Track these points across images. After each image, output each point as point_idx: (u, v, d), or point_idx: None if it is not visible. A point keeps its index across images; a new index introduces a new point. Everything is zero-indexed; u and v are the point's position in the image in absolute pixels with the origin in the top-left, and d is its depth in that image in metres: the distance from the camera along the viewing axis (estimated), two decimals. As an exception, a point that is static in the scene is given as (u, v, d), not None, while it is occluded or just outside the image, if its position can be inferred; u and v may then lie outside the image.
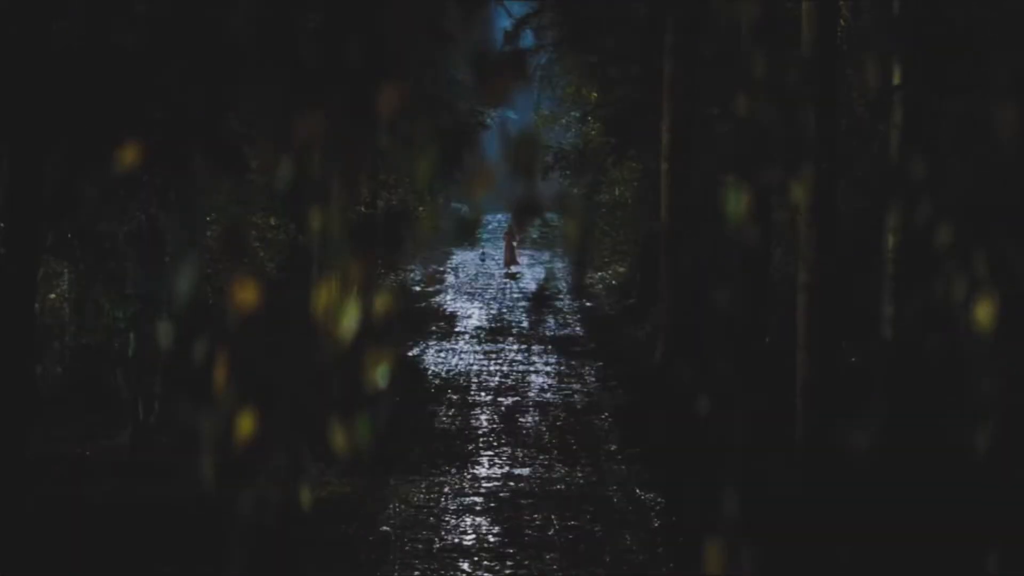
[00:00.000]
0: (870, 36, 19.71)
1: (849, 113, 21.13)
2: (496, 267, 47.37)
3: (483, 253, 52.12)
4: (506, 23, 42.30)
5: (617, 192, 36.36)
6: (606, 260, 41.22)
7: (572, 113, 42.11)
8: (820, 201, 15.27)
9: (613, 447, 19.77)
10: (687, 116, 26.21)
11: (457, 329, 33.45)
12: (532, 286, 43.49)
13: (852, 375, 18.48)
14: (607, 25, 33.88)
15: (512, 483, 17.42)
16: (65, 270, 17.78)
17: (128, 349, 17.95)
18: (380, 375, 4.68)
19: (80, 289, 18.22)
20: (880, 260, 15.54)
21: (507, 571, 13.60)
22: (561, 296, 41.13)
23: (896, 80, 14.79)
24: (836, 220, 15.69)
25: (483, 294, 41.56)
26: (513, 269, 46.73)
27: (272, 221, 20.50)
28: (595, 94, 36.95)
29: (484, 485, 17.30)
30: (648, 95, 30.63)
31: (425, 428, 21.16)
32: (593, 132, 37.80)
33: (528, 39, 40.36)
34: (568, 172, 38.34)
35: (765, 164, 16.46)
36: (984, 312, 5.25)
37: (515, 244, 48.57)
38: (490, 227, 64.03)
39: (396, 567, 13.71)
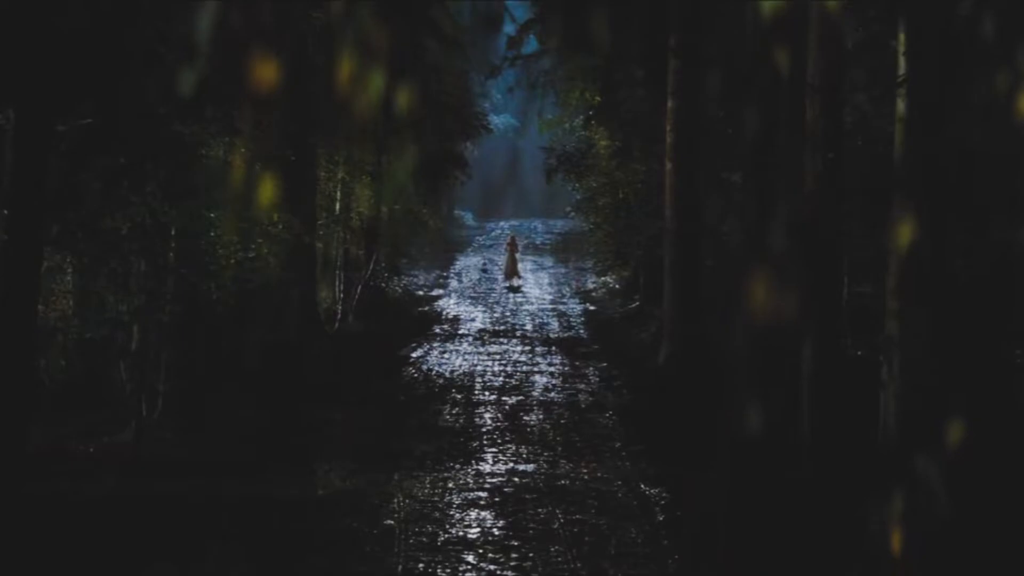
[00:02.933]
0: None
1: (854, 109, 21.08)
2: (499, 272, 46.85)
3: (485, 263, 51.01)
4: (510, 28, 42.41)
5: (620, 195, 36.25)
6: (609, 263, 41.10)
7: (576, 120, 42.07)
8: (825, 189, 15.24)
9: (617, 444, 19.71)
10: (691, 116, 26.17)
11: (460, 332, 33.39)
12: (536, 291, 43.36)
13: (858, 367, 18.45)
14: (611, 28, 33.85)
15: (516, 479, 17.36)
16: (69, 266, 17.72)
17: (131, 343, 17.90)
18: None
19: (84, 282, 18.18)
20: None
21: (512, 563, 13.55)
22: (565, 300, 41.07)
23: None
24: (841, 208, 15.64)
25: (486, 298, 41.50)
26: (515, 282, 44.53)
27: (275, 217, 20.40)
28: (599, 98, 36.86)
29: (488, 480, 17.25)
30: (652, 97, 30.61)
31: (429, 426, 21.11)
32: (596, 136, 37.73)
33: (532, 44, 40.43)
34: (572, 175, 38.25)
35: (769, 160, 16.44)
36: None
37: (517, 255, 46.47)
38: (493, 233, 64.06)
39: (401, 559, 13.68)
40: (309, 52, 24.17)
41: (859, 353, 19.75)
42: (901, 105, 15.07)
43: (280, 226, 20.29)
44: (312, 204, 28.70)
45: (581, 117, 40.38)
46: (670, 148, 26.44)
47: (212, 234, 18.98)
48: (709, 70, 26.85)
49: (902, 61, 14.89)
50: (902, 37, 14.85)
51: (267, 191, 20.35)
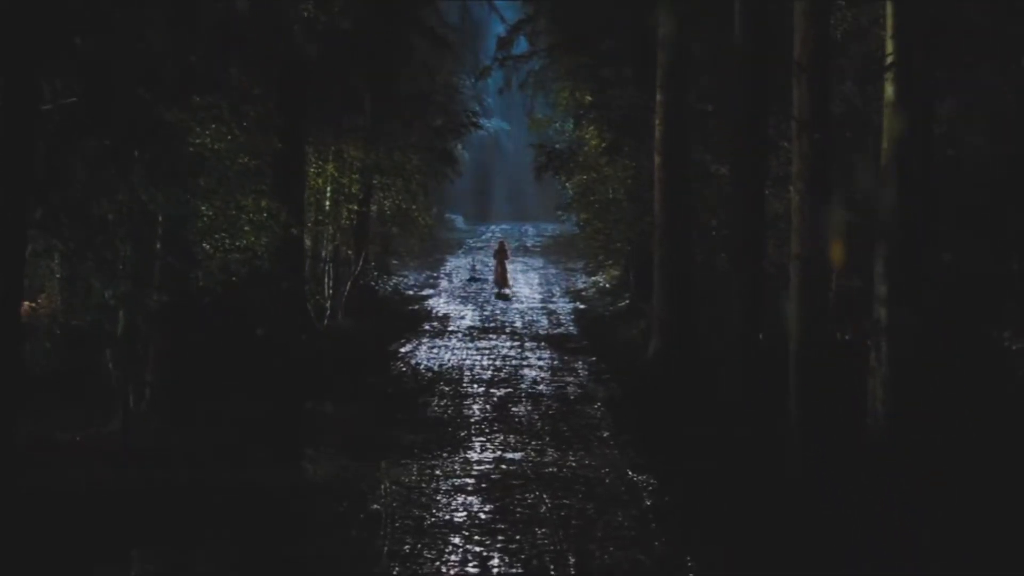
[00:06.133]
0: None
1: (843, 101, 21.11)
2: (489, 273, 46.45)
3: (474, 266, 49.91)
4: (500, 29, 42.42)
5: (611, 193, 36.26)
6: (601, 259, 41.08)
7: (567, 123, 42.15)
8: (811, 171, 15.20)
9: (605, 434, 19.66)
10: (680, 109, 26.14)
11: (450, 328, 33.36)
12: (526, 291, 43.31)
13: (843, 351, 18.43)
14: (601, 27, 33.91)
15: (504, 466, 17.32)
16: (55, 251, 17.60)
17: (117, 327, 17.78)
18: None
19: (69, 268, 18.08)
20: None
21: (498, 545, 13.50)
22: (555, 299, 41.03)
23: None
24: (828, 191, 15.60)
25: (476, 298, 41.46)
26: (505, 291, 42.77)
27: (264, 204, 20.27)
28: (589, 97, 36.91)
29: (476, 468, 17.21)
30: (642, 94, 30.62)
31: (417, 417, 21.07)
32: (587, 135, 37.73)
33: (522, 44, 40.45)
34: (561, 172, 38.22)
35: (759, 152, 16.41)
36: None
37: (508, 262, 44.77)
38: (483, 236, 64.03)
39: (387, 542, 13.63)
40: (297, 43, 24.11)
41: (846, 338, 19.75)
42: (889, 89, 15.08)
43: (265, 214, 20.15)
44: (301, 197, 28.62)
45: (571, 118, 40.44)
46: (659, 142, 26.41)
47: (200, 224, 18.90)
48: (697, 63, 26.87)
49: (890, 44, 14.90)
50: (890, 19, 14.86)
51: (255, 179, 20.30)
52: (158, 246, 18.26)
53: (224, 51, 18.98)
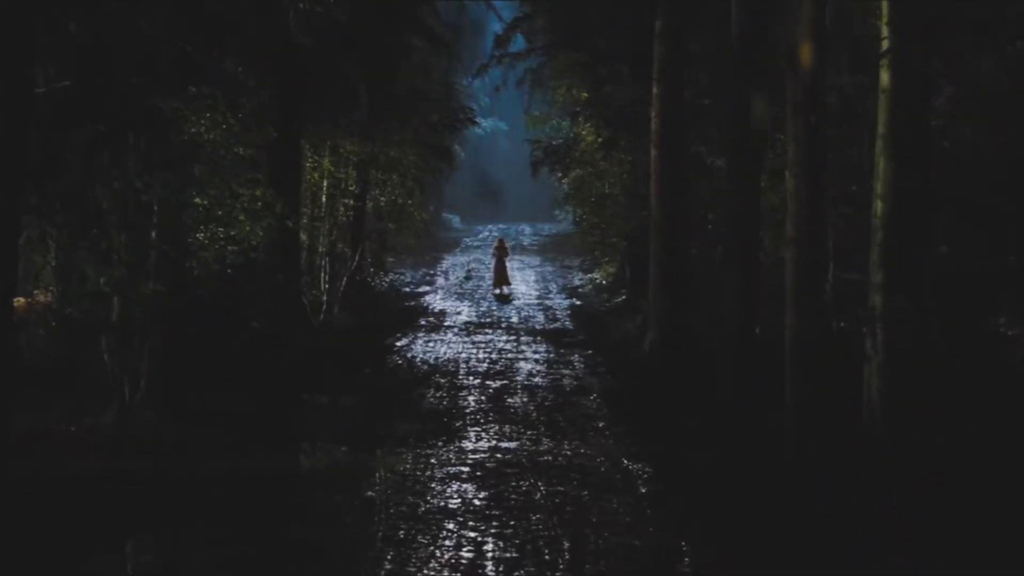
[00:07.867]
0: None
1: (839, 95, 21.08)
2: (486, 271, 46.26)
3: (469, 270, 49.36)
4: (498, 28, 42.41)
5: (607, 188, 36.25)
6: (598, 253, 41.00)
7: (564, 120, 42.11)
8: (807, 154, 15.18)
9: (601, 424, 19.65)
10: (676, 102, 26.13)
11: (447, 323, 33.29)
12: (522, 287, 43.25)
13: (841, 345, 18.39)
14: (599, 25, 33.92)
15: (499, 455, 17.31)
16: (51, 241, 17.58)
17: (112, 315, 17.75)
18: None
19: (64, 256, 18.04)
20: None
21: (492, 530, 13.50)
22: (551, 296, 40.98)
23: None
24: (823, 173, 15.58)
25: (473, 294, 41.40)
26: (505, 290, 41.09)
27: (258, 192, 20.22)
28: (585, 94, 36.93)
29: (471, 457, 17.20)
30: (639, 91, 30.62)
31: (413, 408, 21.04)
32: (584, 132, 37.74)
33: (519, 43, 40.46)
34: (558, 167, 38.20)
35: (755, 145, 16.35)
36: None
37: (507, 259, 42.77)
38: (480, 235, 64.02)
39: (381, 527, 13.63)
40: (293, 35, 24.10)
41: (842, 325, 19.72)
42: (884, 76, 15.07)
43: (260, 203, 20.12)
44: (297, 191, 28.59)
45: (568, 116, 40.43)
46: (655, 135, 26.40)
47: (196, 213, 18.88)
48: (694, 57, 26.86)
49: (885, 30, 14.90)
50: (885, 5, 14.85)
51: (249, 168, 20.27)
52: (153, 235, 18.23)
53: (220, 41, 18.93)
